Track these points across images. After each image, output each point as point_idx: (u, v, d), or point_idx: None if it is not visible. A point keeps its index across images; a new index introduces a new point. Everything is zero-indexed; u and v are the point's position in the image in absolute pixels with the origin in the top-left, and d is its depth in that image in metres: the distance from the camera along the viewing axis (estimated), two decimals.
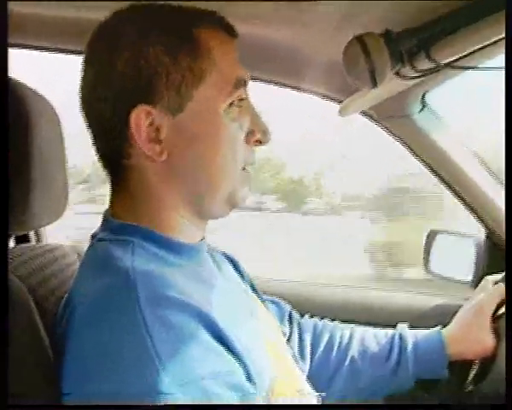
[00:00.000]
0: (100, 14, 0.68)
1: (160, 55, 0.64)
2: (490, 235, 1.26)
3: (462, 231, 1.39)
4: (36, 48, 1.11)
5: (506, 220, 0.62)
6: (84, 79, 0.69)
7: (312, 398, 0.79)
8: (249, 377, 0.61)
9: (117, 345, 0.55)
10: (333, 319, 1.09)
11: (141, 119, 0.65)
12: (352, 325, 1.05)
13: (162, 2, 0.69)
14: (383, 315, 1.35)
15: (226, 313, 0.64)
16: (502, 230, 1.20)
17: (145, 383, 0.52)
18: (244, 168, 0.72)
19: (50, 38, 1.07)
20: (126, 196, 0.70)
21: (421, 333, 0.99)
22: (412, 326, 1.03)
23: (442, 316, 1.26)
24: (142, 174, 0.68)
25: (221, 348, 0.59)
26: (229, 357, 0.60)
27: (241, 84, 0.69)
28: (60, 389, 0.58)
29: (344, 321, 1.08)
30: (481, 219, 1.23)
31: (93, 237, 0.71)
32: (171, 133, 0.66)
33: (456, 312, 1.03)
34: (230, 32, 0.71)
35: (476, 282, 1.27)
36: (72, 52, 1.09)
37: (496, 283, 1.02)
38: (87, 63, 0.69)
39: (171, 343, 0.55)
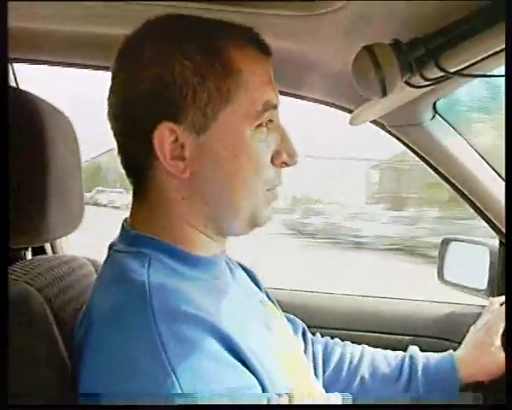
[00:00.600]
0: (116, 29, 0.69)
1: (187, 73, 0.64)
2: (503, 241, 1.25)
3: (476, 238, 1.38)
4: (50, 63, 1.13)
5: (506, 222, 0.62)
6: (112, 92, 0.69)
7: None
8: (264, 390, 0.61)
9: (132, 359, 0.55)
10: (341, 328, 1.09)
11: (164, 135, 0.65)
12: (363, 345, 1.04)
13: (194, 15, 0.69)
14: (393, 323, 1.35)
15: (241, 327, 0.64)
16: None
17: (160, 397, 0.53)
18: (269, 189, 0.71)
19: (63, 52, 1.09)
20: (146, 208, 0.70)
21: (433, 355, 0.99)
22: (421, 335, 1.03)
23: (452, 324, 1.26)
24: (163, 189, 0.68)
25: (237, 363, 0.59)
26: (245, 371, 0.59)
27: (270, 106, 0.68)
28: (77, 398, 0.59)
29: (353, 330, 1.08)
30: (494, 226, 1.22)
31: (110, 247, 0.72)
32: (196, 152, 0.66)
33: (465, 319, 1.03)
34: (264, 50, 0.70)
35: (491, 290, 1.27)
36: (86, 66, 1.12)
37: (502, 303, 1.02)
38: (114, 76, 0.69)
39: (186, 358, 0.55)
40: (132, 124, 0.67)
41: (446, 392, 0.94)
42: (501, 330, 0.97)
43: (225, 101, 0.65)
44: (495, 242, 1.29)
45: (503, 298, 1.04)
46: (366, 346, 1.04)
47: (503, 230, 1.20)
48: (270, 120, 0.69)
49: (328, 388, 0.96)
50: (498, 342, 0.96)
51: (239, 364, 0.59)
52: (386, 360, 0.99)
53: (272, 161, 0.70)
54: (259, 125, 0.67)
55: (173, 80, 0.64)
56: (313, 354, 0.99)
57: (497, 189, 1.17)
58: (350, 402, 0.79)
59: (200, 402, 0.53)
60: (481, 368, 0.95)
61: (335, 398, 0.80)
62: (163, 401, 0.53)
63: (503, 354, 0.94)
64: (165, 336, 0.55)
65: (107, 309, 0.61)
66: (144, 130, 0.65)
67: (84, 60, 1.10)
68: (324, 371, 0.99)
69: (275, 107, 0.69)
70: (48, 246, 1.30)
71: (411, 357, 0.98)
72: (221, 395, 0.54)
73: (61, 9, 0.86)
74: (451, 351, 0.99)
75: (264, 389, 0.61)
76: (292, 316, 1.01)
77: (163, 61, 0.64)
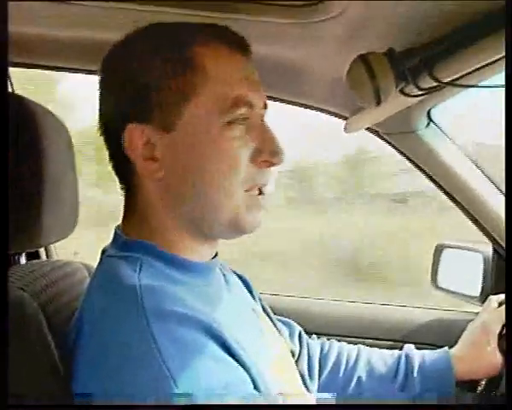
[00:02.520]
0: (111, 34, 0.69)
1: (152, 72, 0.65)
2: (497, 249, 1.26)
3: (470, 245, 1.39)
4: (46, 67, 1.13)
5: (506, 226, 0.62)
6: (99, 98, 0.71)
7: None
8: (257, 390, 0.61)
9: (127, 361, 0.56)
10: (338, 335, 1.09)
11: (134, 136, 0.65)
12: (359, 345, 1.05)
13: (173, 22, 0.70)
14: (386, 329, 1.35)
15: (233, 329, 0.64)
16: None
17: (158, 398, 0.53)
18: (248, 190, 0.69)
19: (56, 57, 1.09)
20: (135, 213, 0.71)
21: (428, 353, 0.99)
22: (417, 342, 1.03)
23: (444, 331, 1.26)
24: (144, 193, 0.69)
25: (230, 360, 0.59)
26: (239, 368, 0.60)
27: (242, 103, 0.66)
28: (70, 402, 0.59)
29: (349, 336, 1.08)
30: (488, 234, 1.23)
31: (103, 252, 0.72)
32: (167, 151, 0.66)
33: (460, 326, 1.03)
34: (240, 48, 0.69)
35: (484, 297, 1.27)
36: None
37: (500, 303, 1.02)
38: (100, 82, 0.70)
39: (181, 357, 0.55)
40: (107, 129, 0.69)
41: (442, 390, 0.94)
42: (498, 330, 0.97)
43: (189, 97, 0.65)
44: (488, 249, 1.29)
45: (501, 297, 1.04)
46: (362, 346, 1.05)
47: (497, 237, 1.21)
48: (246, 118, 0.67)
49: (325, 388, 0.97)
50: (495, 341, 0.96)
51: (232, 360, 0.60)
52: (382, 359, 1.00)
53: (252, 160, 0.68)
54: (232, 123, 0.66)
55: (140, 81, 0.65)
56: (309, 356, 1.00)
57: (492, 197, 1.18)
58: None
59: (197, 401, 0.53)
60: (477, 367, 0.96)
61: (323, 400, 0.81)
62: (160, 401, 0.53)
63: (499, 354, 0.95)
64: (158, 337, 0.55)
65: (99, 313, 0.61)
66: (116, 133, 0.66)
67: (81, 65, 1.10)
68: (321, 373, 0.99)
69: (250, 104, 0.67)
70: (42, 251, 1.30)
71: (407, 356, 0.99)
72: (217, 392, 0.55)
73: (57, 13, 0.86)
74: (447, 349, 0.99)
75: (256, 387, 0.61)
76: (288, 320, 1.01)
77: (135, 64, 0.66)
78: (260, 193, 0.70)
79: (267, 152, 0.68)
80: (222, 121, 0.65)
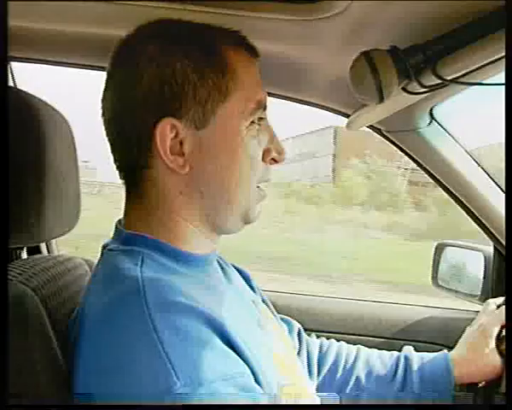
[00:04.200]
0: (111, 30, 0.69)
1: (187, 71, 0.66)
2: (497, 247, 1.26)
3: (471, 244, 1.39)
4: (46, 62, 1.13)
5: (506, 226, 0.62)
6: (107, 92, 0.71)
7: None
8: (257, 382, 0.62)
9: (128, 351, 0.56)
10: (339, 332, 1.09)
11: (166, 131, 0.66)
12: (358, 345, 1.05)
13: (184, 19, 0.71)
14: (386, 328, 1.35)
15: (233, 320, 0.65)
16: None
17: (158, 387, 0.54)
18: (259, 186, 0.74)
19: (60, 52, 1.09)
20: (142, 207, 0.71)
21: (428, 356, 0.99)
22: (414, 340, 1.03)
23: (445, 329, 1.27)
24: (162, 185, 0.69)
25: (230, 351, 0.60)
26: (239, 359, 0.61)
27: (261, 105, 0.71)
28: (71, 396, 0.59)
29: (346, 334, 1.08)
30: (488, 232, 1.23)
31: (104, 247, 0.72)
32: (195, 147, 0.68)
33: (459, 325, 1.04)
34: (252, 52, 0.73)
35: (485, 296, 1.28)
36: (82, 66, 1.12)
37: (499, 305, 1.03)
38: (110, 77, 0.70)
39: (182, 347, 0.56)
40: (132, 122, 0.68)
41: (440, 392, 0.95)
42: (496, 333, 0.97)
43: (223, 98, 0.68)
44: (489, 248, 1.29)
45: (499, 300, 1.04)
46: (361, 346, 1.05)
47: (498, 236, 1.21)
48: (261, 118, 0.72)
49: (323, 388, 0.97)
50: (493, 344, 0.96)
51: (232, 351, 0.60)
52: (381, 360, 1.00)
53: (263, 158, 0.73)
54: (252, 123, 0.70)
55: (174, 78, 0.66)
56: (308, 354, 1.00)
57: (493, 196, 1.18)
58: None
59: (198, 392, 0.54)
60: (476, 369, 0.96)
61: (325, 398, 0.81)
62: (161, 393, 0.53)
63: (497, 356, 0.95)
64: (159, 327, 0.56)
65: (101, 306, 0.62)
66: (145, 127, 0.67)
67: (83, 60, 1.10)
68: (320, 372, 0.99)
69: (265, 107, 0.73)
70: (43, 246, 1.30)
71: (406, 357, 0.99)
72: (214, 381, 0.55)
73: (60, 8, 0.86)
74: (446, 351, 0.99)
75: (256, 380, 0.62)
76: (287, 317, 1.01)
77: (164, 60, 0.66)
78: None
79: (275, 151, 0.74)
80: (248, 121, 0.70)
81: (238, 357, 0.61)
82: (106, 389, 0.56)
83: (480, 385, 0.97)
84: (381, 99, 0.76)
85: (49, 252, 1.33)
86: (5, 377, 0.53)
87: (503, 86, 0.59)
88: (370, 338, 1.33)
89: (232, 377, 0.58)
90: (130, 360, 0.56)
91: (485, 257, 1.30)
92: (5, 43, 0.55)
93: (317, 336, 1.08)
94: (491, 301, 1.06)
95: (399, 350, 1.04)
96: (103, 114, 0.71)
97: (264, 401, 0.61)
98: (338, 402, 0.78)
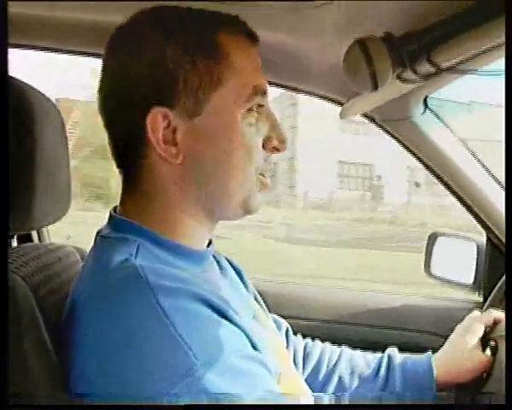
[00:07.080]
0: (112, 16, 0.68)
1: (178, 58, 0.65)
2: (490, 237, 1.26)
3: (463, 234, 1.39)
4: (41, 48, 1.12)
5: (506, 221, 0.62)
6: (103, 81, 0.70)
7: (310, 398, 0.80)
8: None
9: (141, 339, 0.55)
10: (331, 321, 1.09)
11: (157, 121, 0.65)
12: (342, 346, 1.05)
13: (183, 6, 0.69)
14: (381, 317, 1.36)
15: (232, 312, 0.64)
16: (502, 232, 1.20)
17: (178, 371, 0.53)
18: (261, 174, 0.72)
19: (56, 39, 1.08)
20: (137, 196, 0.70)
21: (410, 356, 1.00)
22: (408, 329, 1.03)
23: (439, 319, 1.27)
24: (157, 175, 0.68)
25: (236, 329, 0.61)
26: (243, 334, 0.61)
27: (259, 91, 0.69)
28: (66, 389, 0.59)
29: (342, 323, 1.09)
30: (482, 222, 1.23)
31: (97, 234, 0.71)
32: (188, 136, 0.67)
33: (453, 314, 1.04)
34: (251, 38, 0.71)
35: (477, 285, 1.28)
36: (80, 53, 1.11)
37: (484, 310, 1.02)
38: (106, 65, 0.69)
39: (193, 329, 0.56)
40: (125, 111, 0.67)
41: (423, 391, 0.95)
42: (480, 333, 0.97)
43: (216, 84, 0.66)
44: (482, 237, 1.30)
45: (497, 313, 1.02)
46: (345, 347, 1.05)
47: (491, 226, 1.22)
48: (260, 106, 0.70)
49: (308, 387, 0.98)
50: (475, 343, 0.96)
51: (237, 328, 0.61)
52: (364, 359, 1.01)
53: (263, 147, 0.71)
54: (250, 110, 0.68)
55: (165, 65, 0.65)
56: (294, 353, 1.01)
57: (487, 185, 1.18)
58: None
59: (217, 371, 0.54)
60: (457, 369, 0.96)
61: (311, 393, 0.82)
62: (182, 375, 0.53)
63: (480, 356, 0.95)
64: (168, 311, 0.55)
65: (100, 292, 0.61)
66: (137, 116, 0.66)
67: (79, 46, 1.09)
68: (304, 371, 1.00)
69: (264, 93, 0.70)
70: (34, 234, 1.29)
71: (389, 357, 1.00)
72: (230, 356, 0.56)
73: None
74: (430, 353, 1.00)
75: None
76: (276, 316, 1.02)
77: (155, 47, 0.65)
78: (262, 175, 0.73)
79: (276, 139, 0.72)
80: (243, 109, 0.68)
81: (242, 332, 0.61)
82: (114, 382, 0.55)
83: (464, 385, 0.97)
84: (375, 87, 0.76)
85: (40, 240, 1.32)
86: (5, 377, 0.52)
87: (500, 74, 0.58)
88: (364, 328, 1.33)
89: (244, 350, 0.59)
90: (143, 348, 0.55)
91: (477, 246, 1.30)
92: (5, 39, 0.54)
93: (304, 336, 1.08)
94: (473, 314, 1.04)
95: (393, 341, 1.04)
96: (100, 104, 0.70)
97: (274, 374, 0.64)
98: (333, 402, 0.79)
